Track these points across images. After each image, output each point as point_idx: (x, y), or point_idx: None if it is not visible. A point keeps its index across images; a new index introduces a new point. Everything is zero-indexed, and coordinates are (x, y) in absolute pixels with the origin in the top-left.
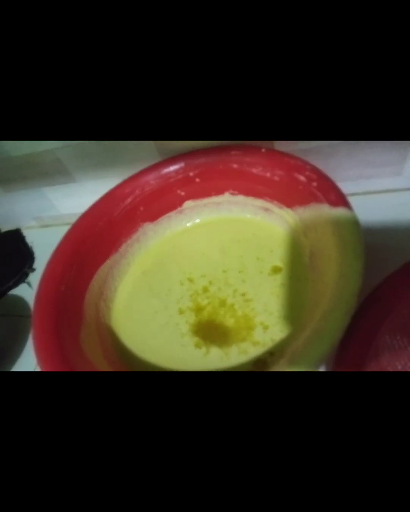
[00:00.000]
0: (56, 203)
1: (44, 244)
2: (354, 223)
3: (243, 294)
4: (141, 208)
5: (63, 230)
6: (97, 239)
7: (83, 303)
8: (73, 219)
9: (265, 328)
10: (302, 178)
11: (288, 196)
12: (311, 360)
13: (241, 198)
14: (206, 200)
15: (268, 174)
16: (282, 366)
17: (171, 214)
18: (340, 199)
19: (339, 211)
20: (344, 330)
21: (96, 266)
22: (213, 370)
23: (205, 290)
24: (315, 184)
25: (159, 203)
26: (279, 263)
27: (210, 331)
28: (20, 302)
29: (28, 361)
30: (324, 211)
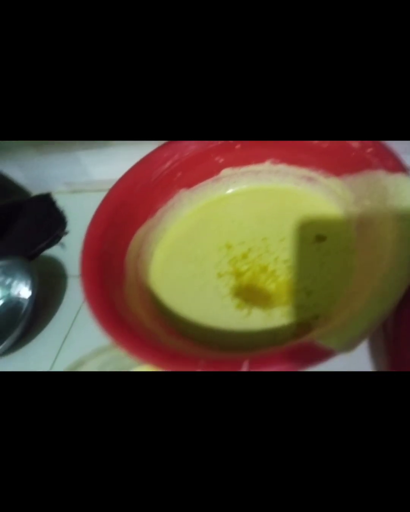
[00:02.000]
0: (89, 168)
1: (74, 209)
2: None
3: (285, 261)
4: (179, 174)
5: (94, 197)
6: (134, 203)
7: (124, 263)
8: (105, 186)
9: (309, 293)
10: (354, 144)
11: (337, 164)
12: (370, 319)
13: (282, 167)
14: (244, 168)
15: (315, 141)
16: (331, 329)
17: (208, 181)
18: (398, 165)
19: (397, 178)
20: (404, 290)
21: (133, 229)
22: (257, 331)
23: (244, 256)
24: (370, 150)
25: (197, 169)
26: (323, 232)
27: (251, 294)
28: (54, 262)
29: (64, 317)
30: (379, 178)
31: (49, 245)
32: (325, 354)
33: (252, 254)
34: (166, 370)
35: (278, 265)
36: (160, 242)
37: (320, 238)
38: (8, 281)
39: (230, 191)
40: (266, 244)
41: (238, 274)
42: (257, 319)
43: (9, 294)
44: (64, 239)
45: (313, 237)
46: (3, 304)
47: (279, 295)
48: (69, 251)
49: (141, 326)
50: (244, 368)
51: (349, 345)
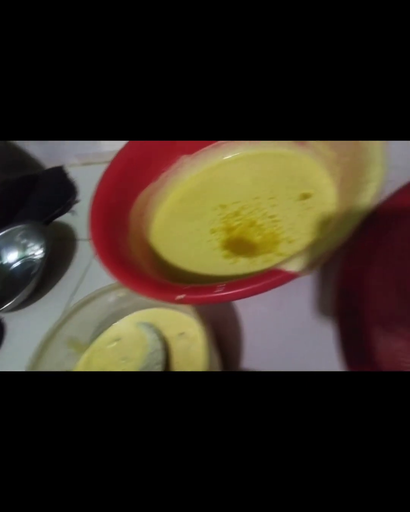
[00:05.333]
0: (99, 140)
1: (85, 180)
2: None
3: (272, 217)
4: (181, 142)
5: (103, 168)
6: (138, 167)
7: (129, 219)
8: (113, 157)
9: (290, 242)
10: None
11: None
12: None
13: None
14: None
15: None
16: (293, 256)
17: (208, 148)
18: None
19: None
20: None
21: (138, 191)
22: (240, 275)
23: (236, 214)
24: None
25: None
26: (309, 190)
27: (239, 246)
28: (66, 227)
29: (73, 275)
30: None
31: (62, 212)
32: (289, 276)
33: (243, 212)
34: (153, 298)
35: (265, 220)
36: (162, 204)
37: (305, 196)
38: (24, 242)
39: (228, 156)
40: (257, 202)
41: (229, 229)
42: (241, 266)
43: (25, 255)
44: (75, 206)
45: (299, 194)
46: (21, 264)
47: (263, 245)
48: (79, 218)
49: (139, 268)
50: (219, 290)
51: (307, 267)
